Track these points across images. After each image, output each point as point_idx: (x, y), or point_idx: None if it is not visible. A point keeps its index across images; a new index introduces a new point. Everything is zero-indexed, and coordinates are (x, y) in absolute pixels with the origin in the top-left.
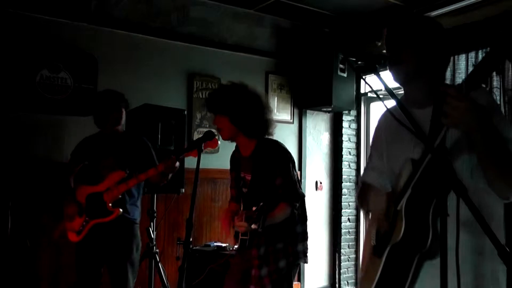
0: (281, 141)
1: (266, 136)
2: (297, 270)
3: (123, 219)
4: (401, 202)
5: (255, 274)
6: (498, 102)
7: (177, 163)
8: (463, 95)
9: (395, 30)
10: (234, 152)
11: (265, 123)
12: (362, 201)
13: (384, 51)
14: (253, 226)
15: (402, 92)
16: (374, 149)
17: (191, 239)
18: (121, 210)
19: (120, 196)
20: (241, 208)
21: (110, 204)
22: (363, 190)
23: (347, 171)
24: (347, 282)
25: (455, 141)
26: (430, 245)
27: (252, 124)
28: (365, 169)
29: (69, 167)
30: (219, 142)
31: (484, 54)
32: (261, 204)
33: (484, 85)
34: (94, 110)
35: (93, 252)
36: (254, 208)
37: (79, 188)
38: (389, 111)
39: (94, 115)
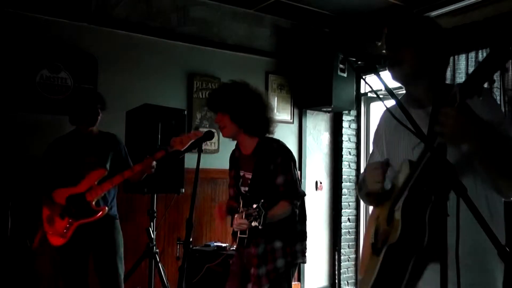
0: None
1: (267, 135)
2: (296, 270)
3: (106, 216)
4: (398, 203)
5: (254, 273)
6: (498, 102)
7: (154, 163)
8: (453, 110)
9: (395, 31)
10: (234, 151)
11: (266, 121)
12: (361, 187)
13: (384, 51)
14: (253, 223)
15: (403, 92)
16: (376, 147)
17: (191, 239)
18: (107, 208)
19: (103, 194)
20: (240, 207)
21: (94, 203)
22: (363, 180)
23: (347, 171)
24: (347, 282)
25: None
26: (427, 245)
27: (253, 122)
28: (366, 166)
29: (42, 168)
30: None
31: (483, 57)
32: (262, 201)
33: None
34: (71, 108)
35: (80, 253)
36: (254, 206)
37: (56, 191)
38: (388, 111)
39: (70, 113)
